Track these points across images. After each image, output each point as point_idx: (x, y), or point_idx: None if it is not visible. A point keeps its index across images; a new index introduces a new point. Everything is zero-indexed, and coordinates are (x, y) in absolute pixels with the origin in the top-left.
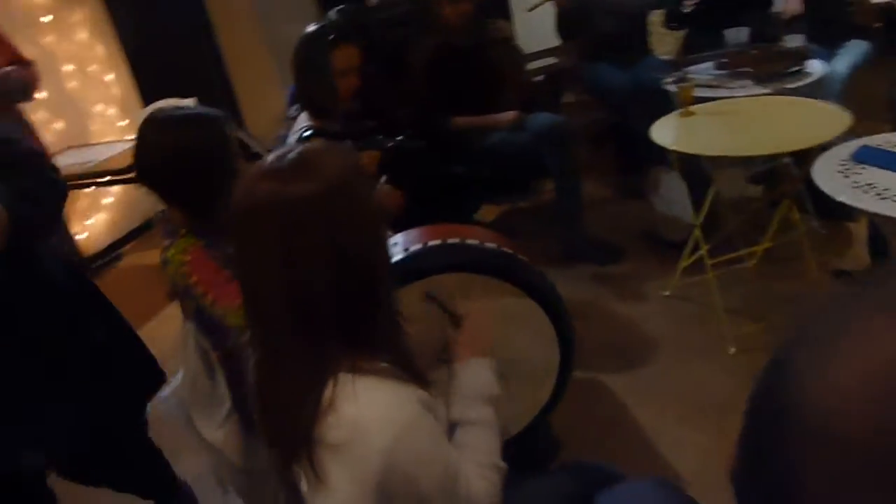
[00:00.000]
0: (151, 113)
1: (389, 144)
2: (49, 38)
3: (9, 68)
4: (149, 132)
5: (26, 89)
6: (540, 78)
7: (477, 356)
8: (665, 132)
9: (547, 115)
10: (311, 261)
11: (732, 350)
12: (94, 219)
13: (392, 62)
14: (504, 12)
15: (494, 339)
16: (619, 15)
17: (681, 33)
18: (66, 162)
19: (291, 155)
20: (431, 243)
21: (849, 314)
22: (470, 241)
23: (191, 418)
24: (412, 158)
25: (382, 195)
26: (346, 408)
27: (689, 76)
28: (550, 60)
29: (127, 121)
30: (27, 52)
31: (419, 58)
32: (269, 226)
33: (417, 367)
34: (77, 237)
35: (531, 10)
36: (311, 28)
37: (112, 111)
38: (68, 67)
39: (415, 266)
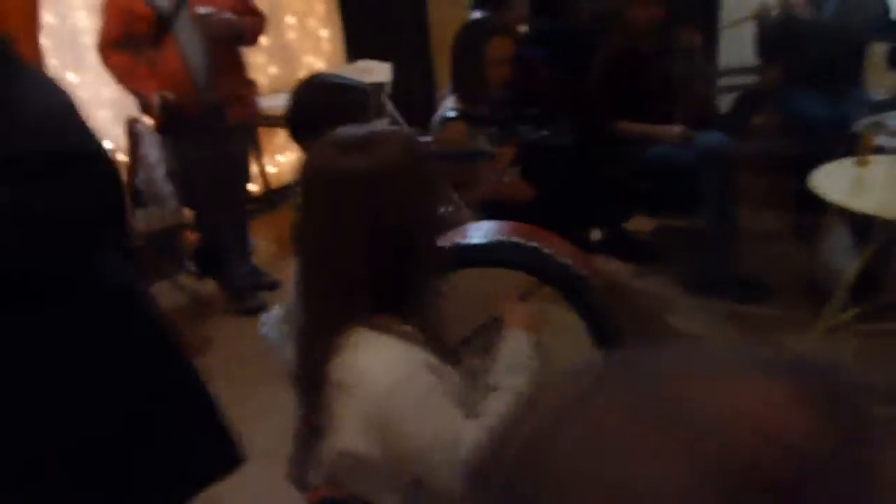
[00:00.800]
0: (310, 76)
1: (532, 137)
2: None
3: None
4: (302, 92)
5: (252, 36)
6: (735, 95)
7: (525, 330)
8: (831, 179)
9: (715, 136)
10: (349, 230)
11: None
12: (285, 157)
13: (574, 59)
14: (710, 21)
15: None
16: (833, 40)
17: None
18: (270, 104)
19: (360, 131)
20: (510, 239)
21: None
22: (546, 250)
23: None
24: (554, 154)
25: (510, 186)
26: (354, 354)
27: (884, 122)
28: (749, 78)
29: None
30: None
31: (599, 57)
32: (319, 190)
33: (441, 339)
34: (268, 169)
35: (729, 26)
36: (475, 16)
37: (320, 64)
38: (290, 20)
39: (483, 254)
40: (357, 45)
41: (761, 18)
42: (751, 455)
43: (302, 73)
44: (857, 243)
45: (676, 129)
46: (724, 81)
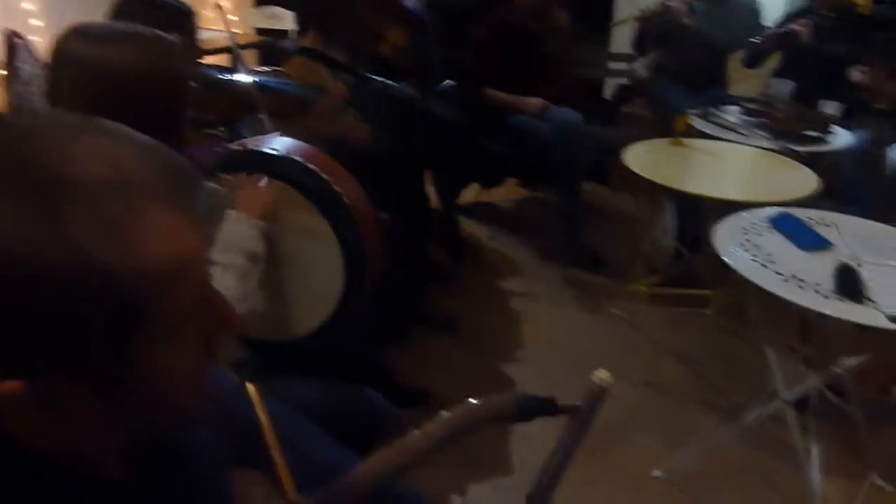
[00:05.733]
0: None
1: (387, 87)
2: None
3: None
4: None
5: None
6: (623, 82)
7: (249, 214)
8: (642, 155)
9: (570, 112)
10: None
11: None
12: None
13: (452, 24)
14: (602, 15)
15: (288, 247)
16: (703, 46)
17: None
18: None
19: (111, 26)
20: (291, 154)
21: None
22: (324, 175)
23: None
24: (401, 105)
25: (349, 125)
26: None
27: (713, 113)
28: (629, 66)
29: None
30: None
31: (481, 25)
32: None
33: None
34: None
35: (616, 25)
36: None
37: (224, 3)
38: None
39: (262, 160)
40: None
41: (644, 18)
42: None
43: (206, 11)
44: (681, 217)
45: (536, 101)
46: (611, 66)
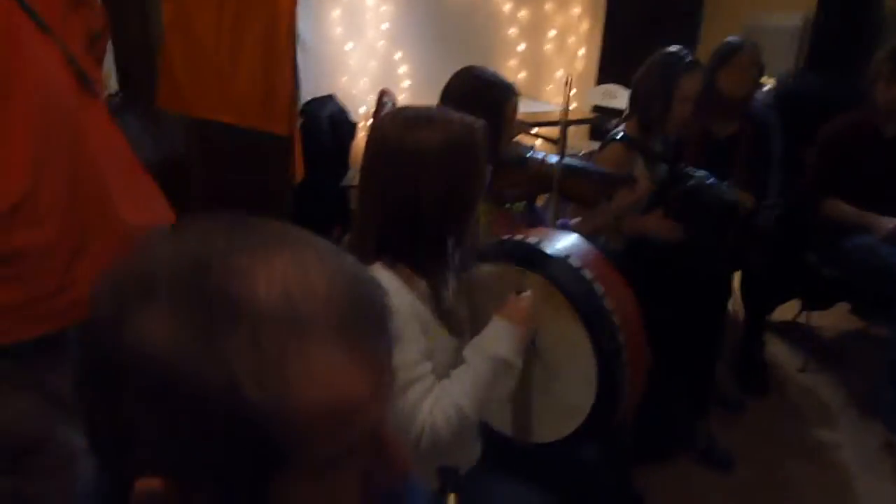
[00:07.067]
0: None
1: (699, 185)
2: (548, 6)
3: None
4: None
5: None
6: None
7: (510, 322)
8: None
9: None
10: (387, 189)
11: None
12: None
13: (802, 120)
14: None
15: (544, 348)
16: None
17: None
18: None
19: (426, 110)
20: (568, 257)
21: None
22: (599, 289)
23: None
24: (720, 206)
25: (658, 222)
26: None
27: None
28: None
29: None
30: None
31: (832, 125)
32: (379, 155)
33: (445, 301)
34: None
35: None
36: (675, 48)
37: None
38: (551, 33)
39: (531, 255)
40: (610, 69)
41: None
42: None
43: (551, 85)
44: None
45: (891, 223)
46: None
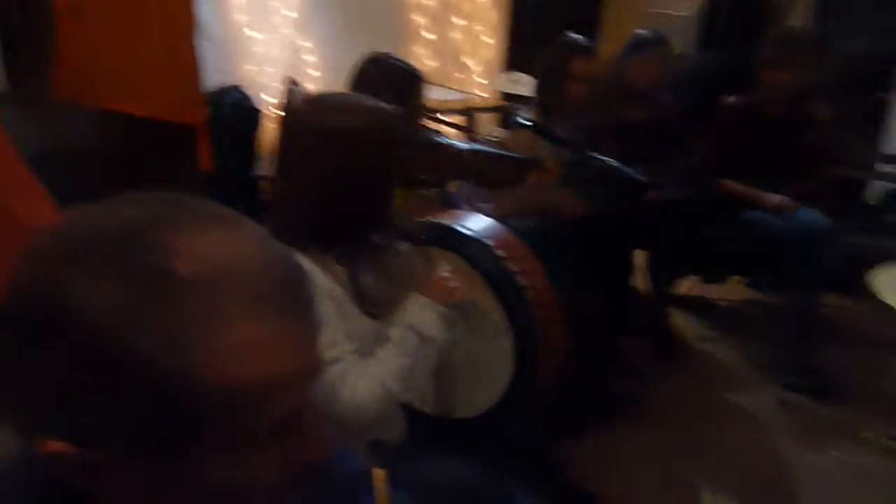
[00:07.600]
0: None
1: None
2: None
3: None
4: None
5: None
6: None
7: (429, 299)
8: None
9: (816, 215)
10: (307, 176)
11: None
12: None
13: (702, 100)
14: (879, 103)
15: (463, 327)
16: None
17: None
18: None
19: (344, 97)
20: (482, 236)
21: None
22: (511, 265)
23: None
24: (623, 185)
25: (563, 198)
26: None
27: None
28: None
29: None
30: None
31: (725, 108)
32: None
33: (363, 287)
34: None
35: None
36: (573, 34)
37: (478, 67)
38: (458, 21)
39: (447, 236)
40: (516, 58)
41: None
42: None
43: (459, 73)
44: None
45: (777, 198)
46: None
